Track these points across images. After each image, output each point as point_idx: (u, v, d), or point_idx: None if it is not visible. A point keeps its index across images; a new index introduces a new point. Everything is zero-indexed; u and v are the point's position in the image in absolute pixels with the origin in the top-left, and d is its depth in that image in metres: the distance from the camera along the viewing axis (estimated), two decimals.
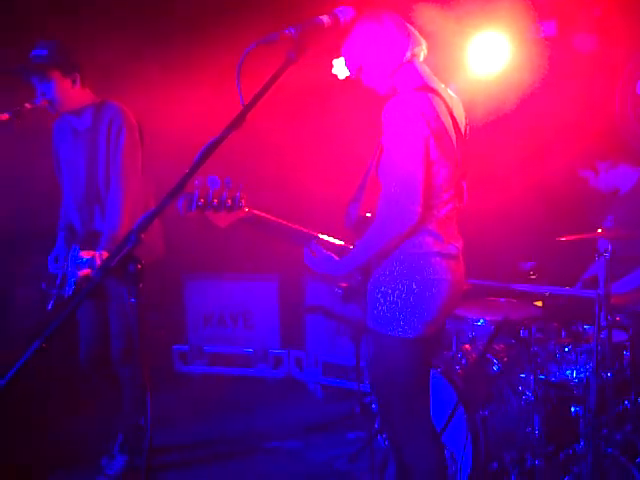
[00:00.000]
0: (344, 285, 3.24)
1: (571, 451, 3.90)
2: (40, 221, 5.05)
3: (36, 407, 5.16)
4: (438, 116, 2.94)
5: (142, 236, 2.11)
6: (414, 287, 2.97)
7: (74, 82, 3.99)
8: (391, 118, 2.91)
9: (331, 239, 3.17)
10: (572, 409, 3.95)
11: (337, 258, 3.09)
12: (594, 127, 5.12)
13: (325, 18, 2.52)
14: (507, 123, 5.25)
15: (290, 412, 5.57)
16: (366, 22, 3.04)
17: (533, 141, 5.31)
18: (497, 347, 4.30)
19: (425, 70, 3.09)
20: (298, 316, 6.08)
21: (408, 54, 3.05)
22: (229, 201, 2.87)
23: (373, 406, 4.42)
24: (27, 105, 3.91)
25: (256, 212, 3.01)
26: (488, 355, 4.18)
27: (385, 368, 3.11)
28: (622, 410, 3.99)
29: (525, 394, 4.02)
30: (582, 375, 3.95)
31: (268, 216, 3.07)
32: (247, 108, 2.22)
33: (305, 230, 3.15)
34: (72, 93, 4.00)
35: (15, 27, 5.42)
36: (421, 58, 3.12)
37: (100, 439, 4.50)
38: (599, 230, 4.28)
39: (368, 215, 3.18)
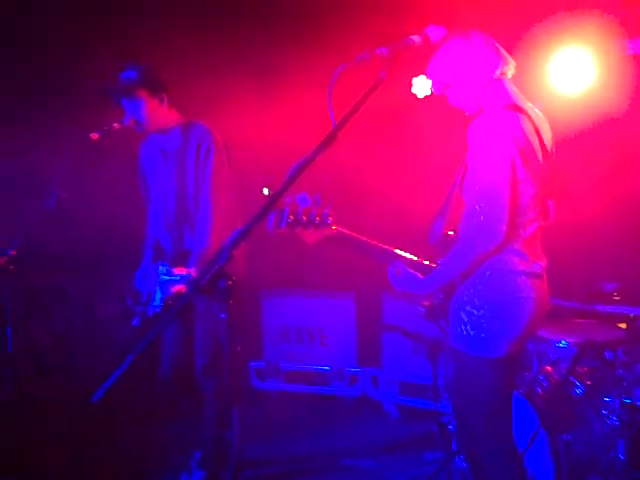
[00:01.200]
0: (426, 303, 3.22)
1: None
2: (120, 240, 5.18)
3: (114, 422, 5.26)
4: (525, 135, 2.92)
5: (233, 253, 2.14)
6: (499, 306, 2.95)
7: (161, 102, 4.07)
8: (478, 136, 2.90)
9: (414, 257, 3.16)
10: None
11: (421, 276, 3.08)
12: None
13: (416, 38, 2.52)
14: (592, 141, 5.16)
15: (366, 431, 5.54)
16: (455, 39, 3.04)
17: (617, 159, 5.21)
18: (580, 370, 4.21)
19: (513, 89, 3.08)
20: (375, 334, 6.05)
21: (497, 72, 3.05)
22: (317, 218, 2.90)
23: (450, 426, 4.37)
24: (115, 125, 4.00)
25: (343, 230, 3.02)
26: (571, 378, 4.10)
27: (469, 388, 3.08)
28: None
29: (610, 418, 3.92)
30: None
31: (354, 234, 3.08)
32: (338, 127, 2.24)
33: (390, 248, 3.15)
34: (159, 113, 4.08)
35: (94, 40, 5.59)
36: (509, 77, 3.11)
37: (178, 454, 4.56)
38: None
39: (451, 233, 3.17)
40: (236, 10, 5.87)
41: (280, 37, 5.97)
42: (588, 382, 4.10)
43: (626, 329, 4.40)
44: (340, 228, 3.02)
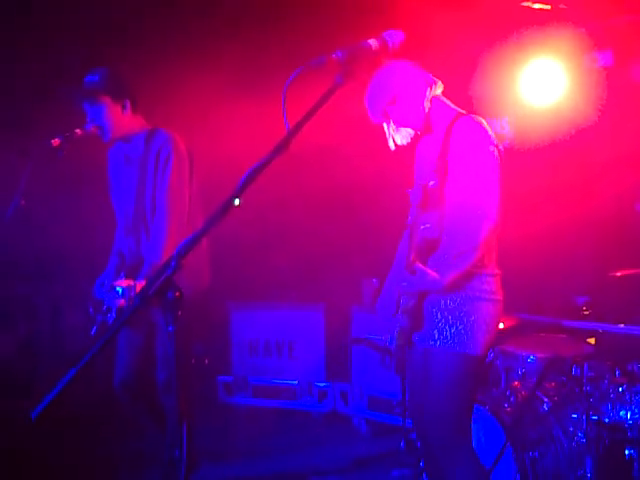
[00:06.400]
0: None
1: None
2: (92, 246, 5.07)
3: (74, 437, 5.21)
4: None
5: (182, 262, 2.05)
6: (480, 306, 3.06)
7: (124, 108, 3.98)
8: (467, 135, 3.02)
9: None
10: (626, 452, 3.79)
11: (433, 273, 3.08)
12: None
13: (373, 42, 2.48)
14: (561, 152, 5.18)
15: (334, 447, 5.48)
16: (386, 66, 3.13)
17: (587, 172, 5.21)
18: (548, 385, 4.16)
19: (450, 103, 3.20)
20: (344, 347, 5.97)
21: (433, 88, 3.16)
22: None
23: (419, 443, 4.30)
24: (77, 131, 3.90)
25: None
26: (538, 393, 4.04)
27: (444, 385, 3.10)
28: None
29: (577, 435, 3.86)
30: (637, 416, 3.79)
31: None
32: (292, 133, 2.17)
33: None
34: (122, 119, 3.99)
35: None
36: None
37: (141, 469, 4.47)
38: None
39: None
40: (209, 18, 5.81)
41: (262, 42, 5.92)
42: (555, 398, 4.05)
43: (594, 344, 4.35)
44: None
